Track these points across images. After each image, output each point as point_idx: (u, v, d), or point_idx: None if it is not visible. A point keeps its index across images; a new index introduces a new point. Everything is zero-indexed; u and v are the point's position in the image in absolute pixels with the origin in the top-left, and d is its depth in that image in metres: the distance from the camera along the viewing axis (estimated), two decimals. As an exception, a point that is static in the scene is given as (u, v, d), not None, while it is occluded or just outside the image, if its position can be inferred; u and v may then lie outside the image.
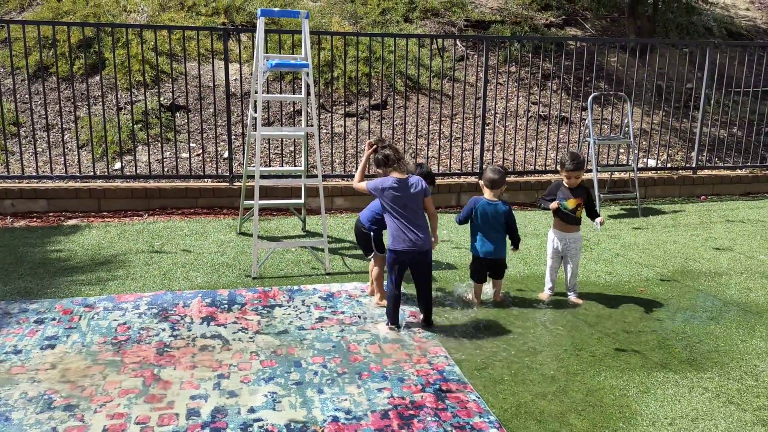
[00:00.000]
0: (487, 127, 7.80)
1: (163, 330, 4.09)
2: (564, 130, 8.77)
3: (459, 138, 8.19)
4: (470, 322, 4.37)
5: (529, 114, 8.77)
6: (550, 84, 9.60)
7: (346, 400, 3.37)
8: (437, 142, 8.06)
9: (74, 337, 3.94)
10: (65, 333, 3.99)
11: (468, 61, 9.39)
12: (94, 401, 3.27)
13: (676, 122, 9.60)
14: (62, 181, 6.76)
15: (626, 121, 7.84)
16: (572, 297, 4.79)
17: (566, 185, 4.81)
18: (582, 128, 8.61)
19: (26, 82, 7.58)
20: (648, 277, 5.31)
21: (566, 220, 4.77)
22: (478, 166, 7.72)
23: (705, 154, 8.94)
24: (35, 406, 3.22)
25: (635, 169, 7.66)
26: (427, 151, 7.72)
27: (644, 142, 9.02)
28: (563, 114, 9.05)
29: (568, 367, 3.77)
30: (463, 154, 7.89)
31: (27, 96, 7.55)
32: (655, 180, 8.21)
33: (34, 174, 6.76)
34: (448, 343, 4.04)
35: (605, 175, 7.88)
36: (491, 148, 8.25)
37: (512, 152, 8.23)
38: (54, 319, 4.17)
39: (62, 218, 6.39)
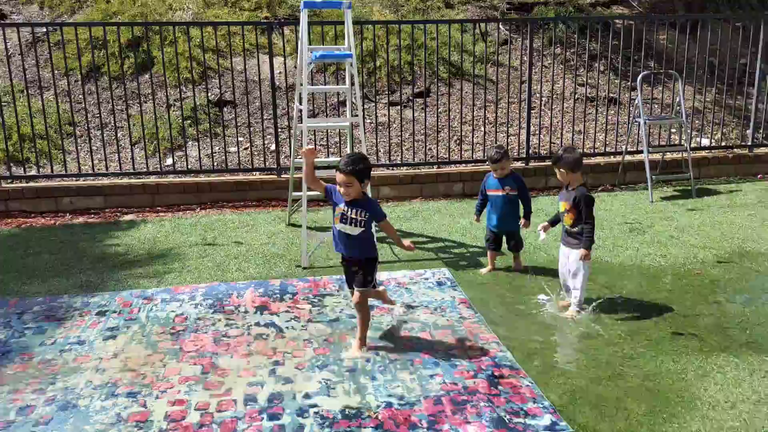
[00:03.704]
0: (532, 111, 7.69)
1: (219, 320, 4.19)
2: (612, 111, 8.58)
3: (504, 123, 8.10)
4: (519, 309, 4.35)
5: (576, 96, 8.61)
6: (597, 65, 9.39)
7: (398, 386, 3.40)
8: (482, 128, 7.99)
9: (134, 328, 4.08)
10: (126, 324, 4.14)
11: (512, 45, 9.27)
12: (155, 388, 3.39)
13: (730, 99, 9.28)
14: (117, 178, 6.97)
15: (677, 99, 7.62)
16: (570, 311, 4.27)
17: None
18: (631, 109, 8.41)
19: (80, 82, 7.82)
20: (704, 259, 5.17)
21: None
22: (524, 151, 7.63)
23: (761, 131, 8.62)
24: (100, 393, 3.35)
25: (688, 149, 7.44)
26: (472, 137, 7.67)
27: (697, 121, 8.76)
28: (611, 95, 8.85)
29: (623, 351, 3.71)
30: (509, 140, 7.81)
31: (81, 96, 7.79)
32: (709, 159, 7.96)
33: (90, 172, 6.98)
34: (498, 329, 4.02)
35: (657, 156, 7.69)
36: (537, 132, 8.14)
37: (559, 135, 8.10)
38: (115, 311, 4.32)
39: (119, 214, 6.60)
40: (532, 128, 7.68)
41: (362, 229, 3.68)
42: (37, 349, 3.82)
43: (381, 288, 4.25)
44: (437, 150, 7.72)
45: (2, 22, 8.92)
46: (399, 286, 4.72)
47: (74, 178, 6.89)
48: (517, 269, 5.00)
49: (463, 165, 7.54)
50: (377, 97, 8.21)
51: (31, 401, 3.27)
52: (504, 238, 5.03)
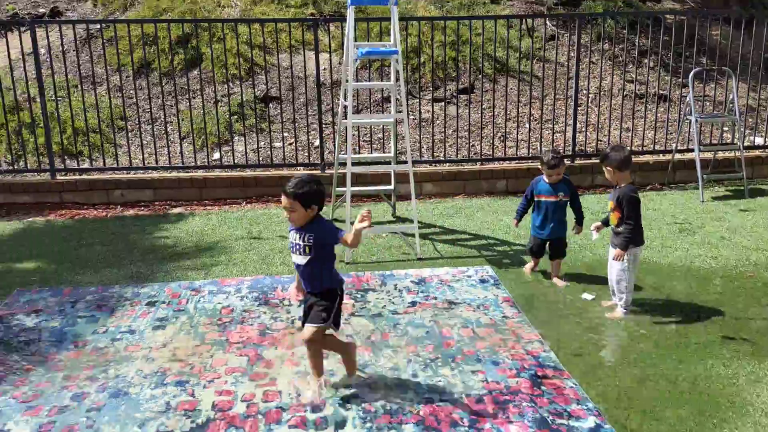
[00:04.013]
0: (579, 108, 7.58)
1: (264, 312, 4.26)
2: (662, 109, 8.39)
3: (549, 120, 8.00)
4: (563, 308, 4.30)
5: (624, 93, 8.44)
6: (646, 61, 9.19)
7: (440, 382, 3.41)
8: (526, 125, 7.91)
9: (182, 319, 4.18)
10: (174, 315, 4.24)
11: (558, 41, 9.14)
12: (202, 378, 3.47)
13: (788, 97, 8.96)
14: (166, 172, 7.13)
15: (731, 97, 7.40)
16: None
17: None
18: (682, 106, 8.20)
19: (131, 78, 8.03)
20: (757, 262, 5.02)
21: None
22: (570, 148, 7.52)
23: (821, 130, 8.31)
24: (150, 381, 3.45)
25: (741, 147, 7.22)
26: (517, 134, 7.59)
27: (750, 120, 8.49)
28: (661, 92, 8.65)
29: (671, 354, 3.64)
30: (554, 137, 7.71)
31: (132, 91, 8.00)
32: (763, 159, 7.71)
33: (141, 165, 7.17)
34: (542, 328, 3.99)
35: (708, 155, 7.48)
36: (584, 129, 8.02)
37: (606, 133, 7.95)
38: (164, 302, 4.43)
39: (168, 207, 6.75)
40: (578, 125, 7.56)
41: (309, 256, 3.23)
42: (90, 337, 3.95)
43: (347, 340, 3.65)
44: (481, 147, 7.68)
45: (58, 19, 9.21)
46: (441, 283, 4.71)
47: (125, 172, 7.08)
48: (555, 275, 4.73)
49: (507, 162, 7.48)
50: (421, 93, 8.20)
51: (84, 388, 3.38)
52: (547, 246, 4.77)
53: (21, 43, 7.08)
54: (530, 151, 7.58)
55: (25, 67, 7.06)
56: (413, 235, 5.46)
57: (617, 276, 4.11)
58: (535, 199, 4.73)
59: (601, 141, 7.86)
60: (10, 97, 7.39)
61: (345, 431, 3.02)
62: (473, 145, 7.73)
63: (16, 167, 7.09)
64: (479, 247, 5.52)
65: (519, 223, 4.90)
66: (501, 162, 7.47)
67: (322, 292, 3.29)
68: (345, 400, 3.25)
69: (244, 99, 7.89)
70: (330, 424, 3.06)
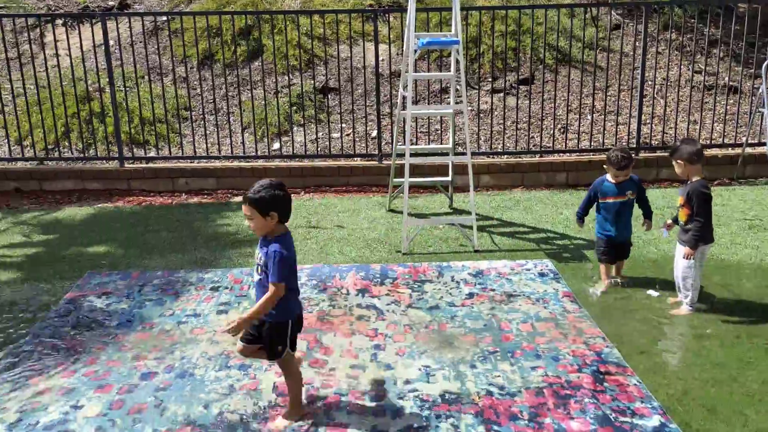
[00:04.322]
0: (644, 99, 7.36)
1: (323, 300, 4.32)
2: (732, 101, 8.06)
3: (612, 111, 7.80)
4: (626, 305, 4.20)
5: (692, 84, 8.15)
6: (716, 51, 8.84)
7: (499, 376, 3.39)
8: (588, 117, 7.74)
9: (244, 304, 4.27)
10: (237, 300, 4.34)
11: (623, 30, 8.88)
12: (264, 361, 3.55)
13: None
14: (228, 161, 7.29)
15: (808, 88, 7.03)
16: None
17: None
18: (753, 98, 7.86)
19: (195, 69, 8.23)
20: (834, 262, 4.79)
21: None
22: (634, 140, 7.32)
23: None
24: (214, 363, 3.55)
25: (818, 141, 6.88)
26: (578, 125, 7.44)
27: (829, 112, 8.06)
28: (731, 83, 8.31)
29: (740, 354, 3.52)
30: (618, 128, 7.51)
31: (196, 82, 8.20)
32: (843, 154, 7.32)
33: (204, 154, 7.35)
34: (604, 324, 3.91)
35: (781, 149, 7.15)
36: (649, 121, 7.79)
37: (672, 125, 7.70)
38: (226, 287, 4.55)
39: (229, 195, 6.91)
40: (643, 117, 7.35)
41: (260, 276, 2.94)
42: (157, 319, 4.09)
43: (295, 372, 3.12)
44: (541, 138, 7.55)
45: (127, 11, 9.51)
46: (499, 276, 4.68)
47: (189, 161, 7.27)
48: (617, 275, 4.52)
49: (568, 154, 7.34)
50: (479, 84, 8.12)
51: (152, 368, 3.51)
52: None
53: (93, 35, 7.35)
54: (592, 143, 7.42)
55: (96, 58, 7.32)
56: (471, 227, 5.43)
57: (683, 273, 4.00)
58: (600, 201, 4.44)
59: (666, 134, 7.62)
60: (81, 88, 7.68)
61: (402, 419, 3.04)
62: (532, 137, 7.61)
63: (86, 155, 7.38)
64: (538, 240, 5.45)
65: (583, 224, 4.63)
66: (561, 154, 7.33)
67: (270, 323, 2.95)
68: (402, 392, 3.27)
69: (304, 90, 7.98)
70: (388, 412, 3.09)
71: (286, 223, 3.01)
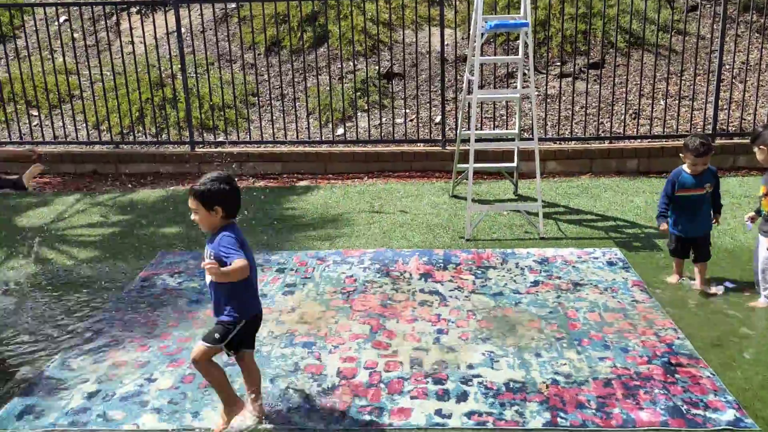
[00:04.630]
0: (721, 84, 7.04)
1: (386, 284, 4.34)
2: (819, 85, 7.61)
3: (687, 96, 7.49)
4: (700, 296, 4.05)
5: (775, 67, 7.73)
6: (802, 32, 8.34)
7: (565, 364, 3.33)
8: (661, 102, 7.46)
9: (309, 286, 4.35)
10: (302, 282, 4.42)
11: (701, 11, 8.50)
12: (328, 341, 3.61)
13: None
14: (293, 146, 7.40)
15: None
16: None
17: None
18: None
19: (262, 55, 8.36)
20: None
21: None
22: (710, 126, 7.02)
23: None
24: (280, 342, 3.63)
25: None
26: (651, 111, 7.18)
27: None
28: (819, 66, 7.84)
29: (823, 351, 3.34)
30: (692, 114, 7.21)
31: (263, 69, 8.33)
32: None
33: (270, 139, 7.48)
34: (675, 315, 3.79)
35: None
36: (726, 106, 7.44)
37: (752, 111, 7.34)
38: (292, 269, 4.63)
39: (295, 179, 7.02)
40: (720, 102, 7.03)
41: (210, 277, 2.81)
42: (226, 298, 4.20)
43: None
44: (611, 124, 7.34)
45: None
46: (566, 264, 4.59)
47: (256, 145, 7.42)
48: (702, 284, 4.14)
49: (639, 140, 7.11)
50: (547, 68, 7.94)
51: (221, 344, 3.61)
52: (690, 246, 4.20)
53: (166, 23, 7.56)
54: (665, 129, 7.15)
55: (169, 45, 7.54)
56: (536, 214, 5.34)
57: (763, 265, 3.82)
58: (677, 194, 4.11)
59: (745, 120, 7.27)
60: (155, 74, 7.94)
61: (466, 404, 3.03)
62: (602, 123, 7.40)
63: (159, 139, 7.63)
64: (606, 228, 5.31)
65: (667, 223, 4.17)
66: (632, 140, 7.11)
67: (219, 320, 2.87)
68: (467, 375, 3.26)
69: (368, 76, 8.00)
70: (452, 397, 3.09)
71: (234, 219, 2.87)
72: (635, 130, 7.22)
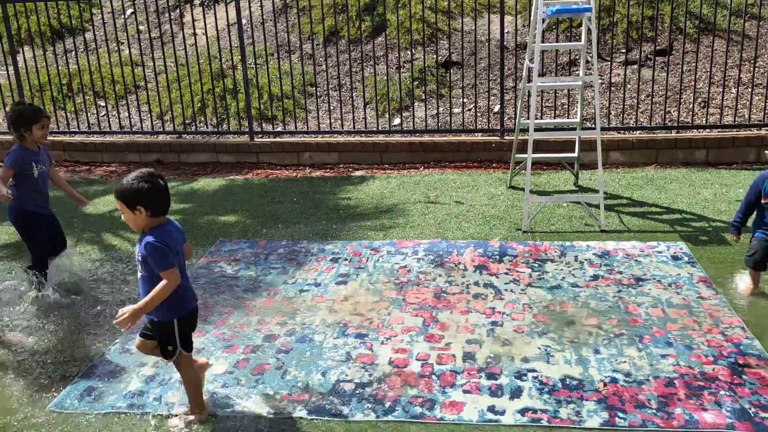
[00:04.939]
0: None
1: (440, 276, 4.29)
2: None
3: (761, 84, 7.11)
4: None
5: None
6: None
7: (624, 362, 3.21)
8: (732, 90, 7.10)
9: (363, 276, 4.34)
10: (355, 272, 4.42)
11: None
12: (380, 333, 3.59)
13: None
14: (350, 136, 7.41)
15: None
16: None
17: None
18: None
19: (321, 46, 8.40)
20: None
21: None
22: (786, 116, 6.64)
23: None
24: (332, 331, 3.63)
25: None
26: (721, 99, 6.85)
27: None
28: None
29: None
30: (767, 103, 6.84)
31: (321, 59, 8.37)
32: None
33: (327, 129, 7.51)
34: (743, 313, 3.60)
35: None
36: (805, 94, 7.03)
37: (834, 99, 6.90)
38: (346, 259, 4.63)
39: (351, 169, 7.03)
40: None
41: (141, 273, 2.77)
42: (281, 286, 4.24)
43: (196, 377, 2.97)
44: (678, 113, 7.04)
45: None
46: (627, 258, 4.42)
47: (313, 135, 7.46)
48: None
49: (708, 130, 6.79)
50: (612, 55, 7.68)
51: (275, 331, 3.65)
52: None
53: (227, 14, 7.68)
54: (736, 118, 6.81)
55: (230, 36, 7.65)
56: (597, 206, 5.17)
57: None
58: (763, 201, 3.73)
59: (826, 108, 6.84)
60: (216, 65, 8.08)
61: (520, 401, 2.96)
62: (668, 112, 7.11)
63: (220, 129, 7.77)
64: (672, 221, 5.09)
65: (740, 235, 3.93)
66: (701, 130, 6.80)
67: (154, 323, 2.83)
68: (521, 369, 3.19)
69: (426, 64, 7.92)
70: (506, 392, 3.02)
71: (163, 216, 2.76)
72: (704, 119, 6.90)
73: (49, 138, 7.75)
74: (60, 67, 8.54)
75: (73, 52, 8.98)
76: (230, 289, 4.25)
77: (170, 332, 2.80)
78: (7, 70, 8.32)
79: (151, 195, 2.67)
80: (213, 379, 3.20)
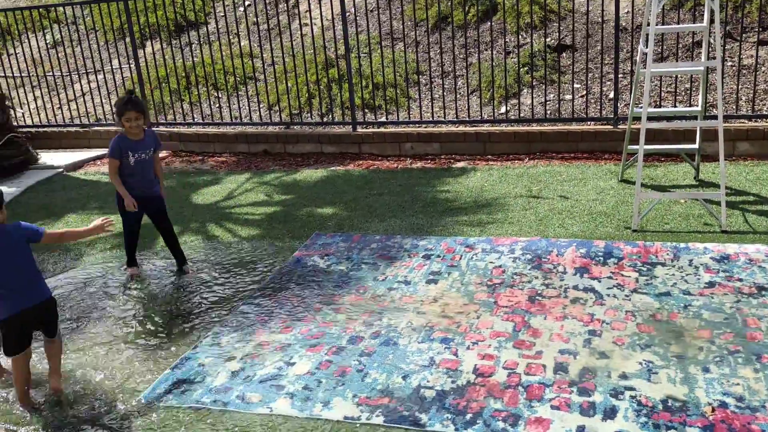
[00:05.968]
0: None
1: (536, 277, 4.07)
2: None
3: None
4: None
5: None
6: None
7: (738, 384, 2.88)
8: None
9: (454, 275, 4.20)
10: (447, 270, 4.28)
11: None
12: (467, 338, 3.44)
13: None
14: (453, 125, 7.23)
15: None
16: None
17: None
18: None
19: (427, 33, 8.24)
20: None
21: None
22: None
23: None
24: (418, 335, 3.53)
25: None
26: None
27: None
28: None
29: None
30: None
31: (427, 46, 8.22)
32: None
33: (430, 119, 7.37)
34: None
35: None
36: None
37: None
38: (438, 255, 4.51)
39: (452, 160, 6.87)
40: None
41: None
42: (371, 283, 4.20)
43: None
44: (822, 98, 6.27)
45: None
46: (750, 263, 3.98)
47: (416, 125, 7.36)
48: None
49: None
50: (744, 35, 6.96)
51: (360, 332, 3.60)
52: None
53: (331, 5, 7.71)
54: None
55: (333, 27, 7.69)
56: (718, 203, 4.70)
57: None
58: None
59: None
60: (323, 55, 8.16)
61: (614, 422, 2.73)
62: (811, 97, 6.35)
63: (324, 120, 7.85)
64: (807, 222, 4.54)
65: None
66: None
67: None
68: (618, 386, 2.94)
69: (536, 49, 7.57)
70: (598, 412, 2.80)
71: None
72: None
73: (169, 129, 8.21)
74: (179, 60, 8.96)
75: (192, 45, 9.40)
76: (320, 284, 4.25)
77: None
78: (129, 65, 8.85)
79: None
80: (295, 380, 3.20)
